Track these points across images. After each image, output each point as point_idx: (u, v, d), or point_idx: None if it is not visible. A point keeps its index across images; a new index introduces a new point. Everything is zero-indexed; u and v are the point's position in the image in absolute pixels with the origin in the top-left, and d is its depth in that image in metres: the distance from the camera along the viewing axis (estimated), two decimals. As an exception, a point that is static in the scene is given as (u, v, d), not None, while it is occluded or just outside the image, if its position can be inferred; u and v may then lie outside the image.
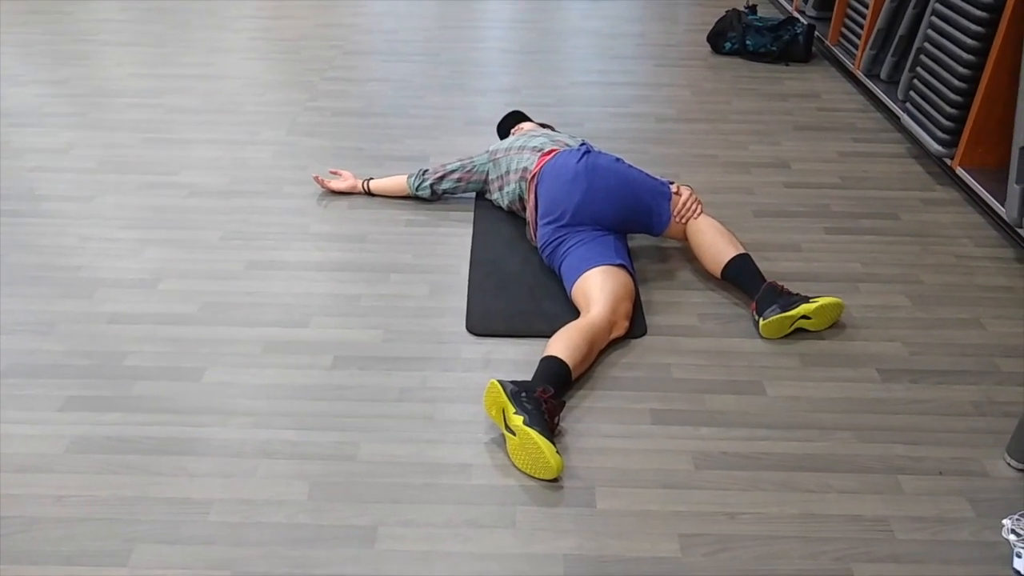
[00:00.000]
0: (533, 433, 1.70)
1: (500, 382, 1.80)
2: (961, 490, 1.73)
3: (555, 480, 1.73)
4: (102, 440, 1.81)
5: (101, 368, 2.03)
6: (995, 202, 2.65)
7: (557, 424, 1.83)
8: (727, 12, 4.35)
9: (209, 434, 1.84)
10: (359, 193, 2.84)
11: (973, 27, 2.74)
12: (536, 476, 1.73)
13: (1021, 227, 2.51)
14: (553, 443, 1.72)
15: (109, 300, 2.28)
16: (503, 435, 1.80)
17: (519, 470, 1.75)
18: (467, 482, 1.73)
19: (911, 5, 3.32)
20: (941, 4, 2.95)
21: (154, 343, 2.12)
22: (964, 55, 2.78)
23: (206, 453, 1.79)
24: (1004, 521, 1.65)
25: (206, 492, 1.69)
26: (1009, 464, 1.79)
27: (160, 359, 2.06)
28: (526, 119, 2.99)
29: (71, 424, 1.86)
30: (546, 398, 1.80)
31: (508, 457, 1.78)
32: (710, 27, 4.38)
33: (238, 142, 3.24)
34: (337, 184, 2.84)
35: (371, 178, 2.84)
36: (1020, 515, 1.65)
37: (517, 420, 1.73)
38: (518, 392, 1.79)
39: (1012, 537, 1.61)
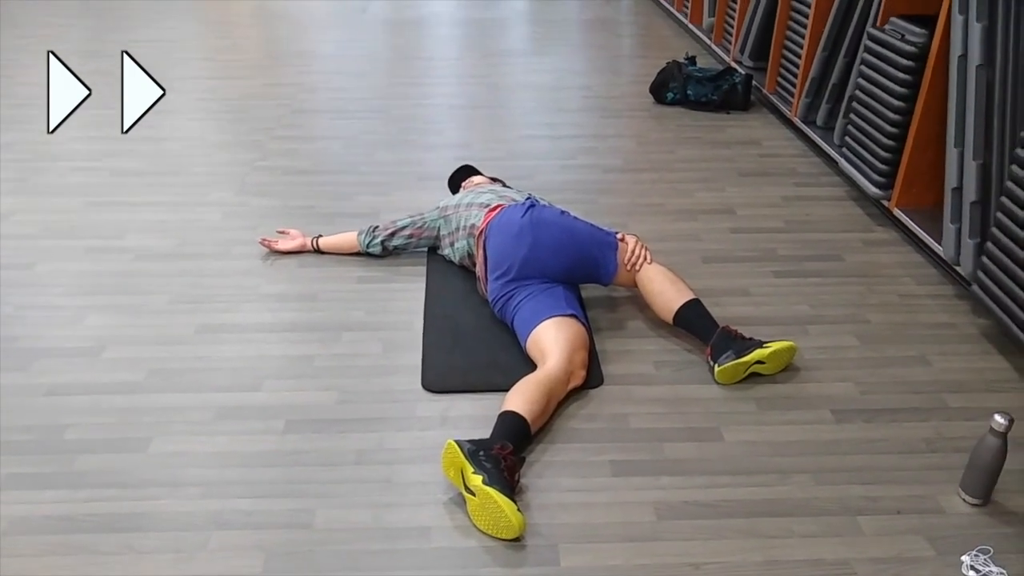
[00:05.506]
0: (493, 492, 1.67)
1: (457, 442, 1.78)
2: (919, 528, 1.75)
3: (517, 539, 1.69)
4: (43, 520, 1.73)
5: (41, 443, 1.95)
6: (932, 241, 2.74)
7: (517, 481, 1.80)
8: (668, 63, 4.48)
9: (157, 508, 1.77)
10: (309, 251, 2.81)
11: (900, 75, 2.86)
12: (498, 536, 1.70)
13: (959, 265, 2.59)
14: (514, 501, 1.69)
15: (49, 371, 2.20)
16: (463, 495, 1.77)
17: (480, 531, 1.72)
18: (427, 546, 1.69)
19: (841, 55, 3.46)
20: (869, 54, 3.08)
21: (97, 414, 2.05)
22: (894, 101, 2.90)
23: (154, 528, 1.72)
24: (963, 558, 1.66)
25: (155, 569, 1.62)
26: (964, 500, 1.81)
27: (104, 431, 1.99)
28: (476, 173, 3.01)
29: (9, 504, 1.77)
30: (505, 455, 1.77)
31: (469, 518, 1.74)
32: (652, 78, 4.50)
33: (186, 204, 3.20)
34: (285, 245, 2.81)
35: (320, 235, 2.82)
36: (978, 551, 1.67)
37: (476, 480, 1.70)
38: (476, 451, 1.76)
39: (972, 574, 1.63)
